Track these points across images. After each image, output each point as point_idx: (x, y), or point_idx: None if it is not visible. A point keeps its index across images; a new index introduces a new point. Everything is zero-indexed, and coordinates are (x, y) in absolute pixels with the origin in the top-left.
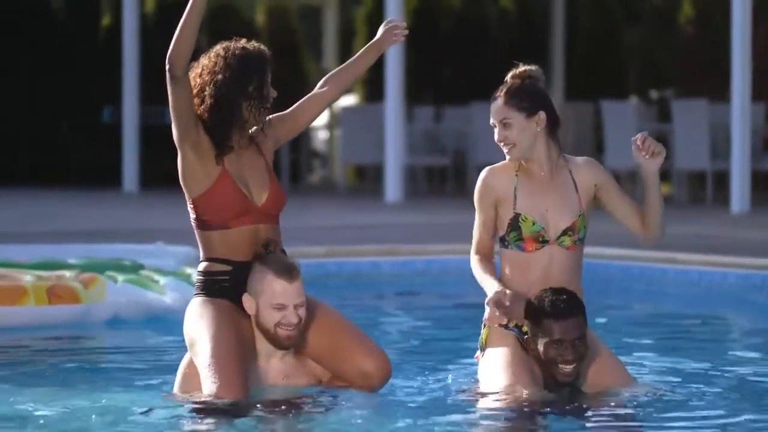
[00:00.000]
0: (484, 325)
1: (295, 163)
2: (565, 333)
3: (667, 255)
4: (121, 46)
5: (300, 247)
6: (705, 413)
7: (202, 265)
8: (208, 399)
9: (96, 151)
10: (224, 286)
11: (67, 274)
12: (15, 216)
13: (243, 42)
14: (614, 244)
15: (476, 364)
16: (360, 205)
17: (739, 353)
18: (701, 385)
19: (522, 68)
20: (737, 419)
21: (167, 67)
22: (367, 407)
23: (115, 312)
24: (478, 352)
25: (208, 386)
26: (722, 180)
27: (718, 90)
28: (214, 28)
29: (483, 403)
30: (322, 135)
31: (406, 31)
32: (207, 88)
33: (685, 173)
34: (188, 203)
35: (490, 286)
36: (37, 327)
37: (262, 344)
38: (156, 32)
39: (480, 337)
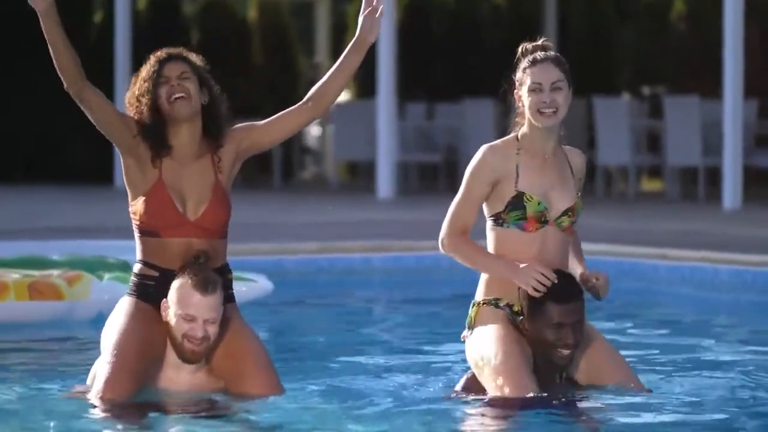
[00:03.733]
0: (473, 305)
1: (288, 159)
2: (566, 317)
3: (659, 251)
4: (113, 44)
5: (292, 243)
6: (696, 408)
7: (136, 266)
8: (99, 398)
9: (88, 148)
10: (150, 291)
11: (55, 272)
12: (7, 213)
13: (164, 50)
14: (605, 240)
15: (463, 354)
16: (352, 202)
17: (730, 349)
18: (692, 381)
19: (543, 41)
20: (728, 414)
21: (70, 93)
22: (346, 404)
23: (100, 310)
24: (466, 332)
25: (98, 382)
26: (714, 176)
27: (711, 86)
28: (205, 26)
29: (472, 393)
30: (314, 131)
31: (381, 8)
32: (128, 100)
33: (677, 169)
34: (129, 205)
35: (506, 265)
36: (19, 323)
37: (173, 354)
38: (148, 30)
39: (468, 316)
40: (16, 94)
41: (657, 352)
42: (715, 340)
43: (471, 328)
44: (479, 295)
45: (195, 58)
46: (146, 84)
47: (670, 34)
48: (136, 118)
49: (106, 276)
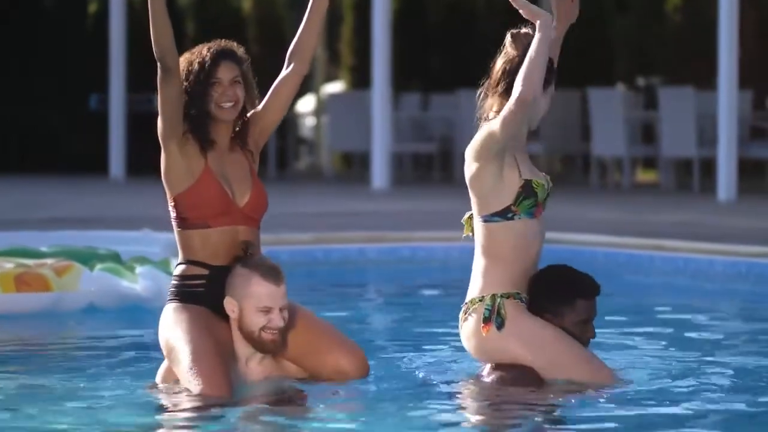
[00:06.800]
0: (492, 296)
1: (282, 149)
2: (591, 312)
3: (654, 242)
4: (109, 33)
5: (287, 234)
6: (690, 400)
7: (179, 268)
8: (192, 397)
9: (83, 138)
10: (198, 292)
11: (48, 262)
12: (2, 204)
13: (219, 44)
14: (600, 231)
15: (463, 349)
16: (347, 192)
17: (724, 340)
18: (686, 373)
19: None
20: (722, 406)
21: (158, 62)
22: (359, 397)
23: (89, 301)
24: (485, 326)
25: (192, 390)
26: (709, 167)
27: (706, 77)
28: (200, 16)
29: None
30: (309, 122)
31: None
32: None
33: (671, 161)
34: (169, 201)
35: (539, 30)
36: (6, 315)
37: (240, 348)
38: (143, 19)
39: (490, 309)
40: (2, 82)
41: (651, 343)
42: (709, 331)
43: (500, 322)
44: (491, 288)
45: (242, 53)
46: (199, 86)
47: (665, 24)
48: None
49: (97, 267)
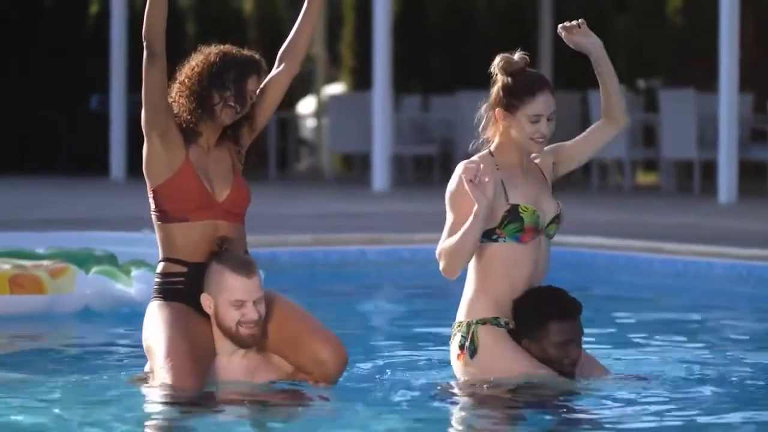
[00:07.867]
0: (468, 324)
1: (283, 151)
2: (569, 334)
3: (654, 244)
4: (109, 34)
5: (287, 235)
6: (687, 402)
7: (159, 266)
8: (170, 393)
9: (83, 138)
10: (179, 289)
11: (45, 263)
12: (1, 204)
13: (259, 57)
14: (600, 233)
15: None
16: (347, 194)
17: (723, 343)
18: (685, 375)
19: (522, 55)
20: (721, 406)
21: (144, 45)
22: (348, 398)
23: (85, 303)
24: (460, 353)
25: (163, 384)
26: (710, 170)
27: (706, 79)
28: (201, 16)
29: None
30: (309, 123)
31: None
32: (188, 76)
33: (672, 163)
34: (149, 193)
35: (472, 216)
36: (1, 316)
37: (222, 343)
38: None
39: (464, 336)
40: (3, 82)
41: (650, 345)
42: (708, 333)
43: (473, 350)
44: (472, 313)
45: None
46: (227, 77)
47: (666, 25)
48: (187, 91)
49: (93, 269)
